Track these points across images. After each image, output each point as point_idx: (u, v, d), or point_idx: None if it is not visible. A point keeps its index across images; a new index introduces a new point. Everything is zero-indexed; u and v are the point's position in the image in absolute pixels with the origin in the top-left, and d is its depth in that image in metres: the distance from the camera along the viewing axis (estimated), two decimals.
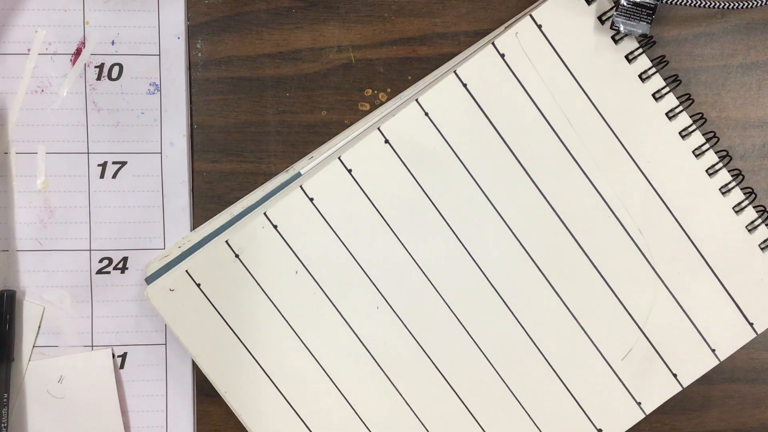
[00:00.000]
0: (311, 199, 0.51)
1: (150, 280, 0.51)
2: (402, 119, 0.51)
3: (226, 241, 0.51)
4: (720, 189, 0.52)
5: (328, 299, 0.52)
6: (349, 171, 0.51)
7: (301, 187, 0.51)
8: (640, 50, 0.51)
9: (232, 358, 0.52)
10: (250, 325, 0.52)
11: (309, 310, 0.52)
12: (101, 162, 0.53)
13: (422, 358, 0.53)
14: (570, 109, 0.51)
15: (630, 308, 0.52)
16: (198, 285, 0.51)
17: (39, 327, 0.53)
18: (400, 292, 0.52)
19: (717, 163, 0.52)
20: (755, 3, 0.50)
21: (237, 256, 0.51)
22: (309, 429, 0.53)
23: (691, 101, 0.52)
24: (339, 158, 0.51)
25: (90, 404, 0.53)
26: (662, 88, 0.51)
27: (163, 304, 0.51)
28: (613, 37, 0.51)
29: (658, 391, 0.53)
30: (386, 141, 0.51)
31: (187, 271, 0.51)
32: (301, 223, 0.51)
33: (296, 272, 0.52)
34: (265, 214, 0.51)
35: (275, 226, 0.51)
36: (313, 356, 0.52)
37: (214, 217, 0.53)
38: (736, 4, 0.50)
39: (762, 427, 0.54)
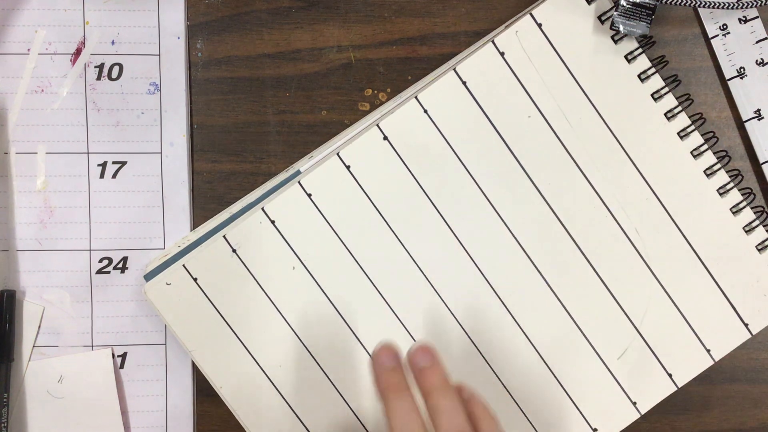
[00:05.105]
0: (309, 195, 0.51)
1: (149, 278, 0.51)
2: (401, 116, 0.51)
3: (224, 237, 0.51)
4: (718, 190, 0.52)
5: (324, 295, 0.52)
6: (348, 167, 0.51)
7: (299, 182, 0.51)
8: (640, 50, 0.51)
9: (228, 354, 0.52)
10: (247, 320, 0.52)
11: (305, 306, 0.52)
12: (101, 162, 0.53)
13: None
14: (569, 108, 0.51)
15: (626, 308, 0.52)
16: (195, 280, 0.51)
17: (39, 327, 0.53)
18: (397, 288, 0.52)
19: (715, 164, 0.52)
20: (755, 3, 0.50)
21: (234, 251, 0.51)
22: (304, 425, 0.53)
23: (690, 101, 0.52)
24: (337, 154, 0.51)
25: (90, 404, 0.53)
26: (661, 89, 0.51)
27: (160, 299, 0.51)
28: (612, 37, 0.51)
29: (654, 391, 0.53)
30: (385, 138, 0.51)
31: (184, 265, 0.51)
32: (299, 218, 0.51)
33: (293, 268, 0.52)
34: (262, 209, 0.51)
35: (273, 222, 0.51)
36: (309, 352, 0.52)
37: (214, 217, 0.53)
38: (735, 5, 0.50)
39: (762, 427, 0.54)
